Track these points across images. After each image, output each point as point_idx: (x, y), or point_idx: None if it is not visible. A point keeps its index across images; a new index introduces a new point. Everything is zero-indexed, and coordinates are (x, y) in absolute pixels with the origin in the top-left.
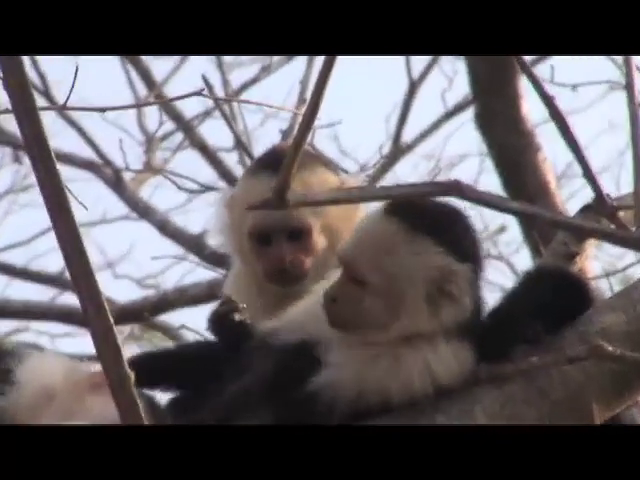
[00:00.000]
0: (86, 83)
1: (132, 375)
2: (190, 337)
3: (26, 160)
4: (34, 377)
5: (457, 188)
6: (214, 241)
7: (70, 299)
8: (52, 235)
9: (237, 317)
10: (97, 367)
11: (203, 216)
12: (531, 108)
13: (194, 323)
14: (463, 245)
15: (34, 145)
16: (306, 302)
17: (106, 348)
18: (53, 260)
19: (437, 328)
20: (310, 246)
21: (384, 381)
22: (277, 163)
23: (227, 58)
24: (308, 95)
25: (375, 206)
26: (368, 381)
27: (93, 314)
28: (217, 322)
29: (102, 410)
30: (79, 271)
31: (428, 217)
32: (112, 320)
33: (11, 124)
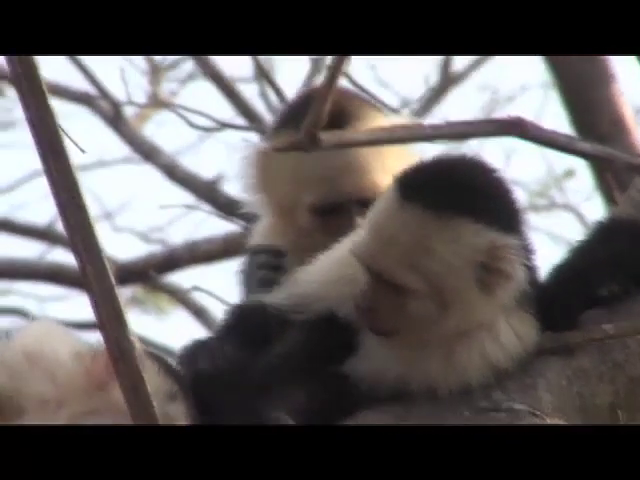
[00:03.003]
0: None
1: (137, 345)
2: (202, 300)
3: (10, 92)
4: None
5: (519, 126)
6: (232, 189)
7: (61, 255)
8: (41, 181)
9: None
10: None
11: (218, 158)
12: None
13: (207, 284)
14: (502, 211)
15: (22, 75)
16: (329, 267)
17: (107, 314)
18: (41, 210)
19: (495, 310)
20: None
21: (436, 378)
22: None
23: None
24: None
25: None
26: (416, 376)
27: (92, 274)
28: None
29: (119, 409)
30: (75, 223)
31: (455, 190)
32: (114, 281)
33: None
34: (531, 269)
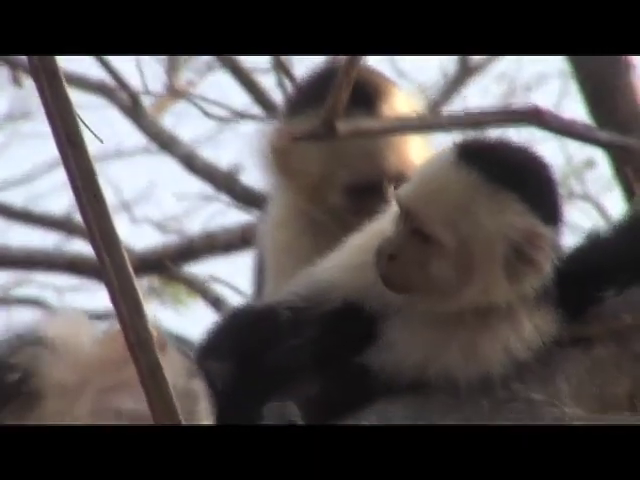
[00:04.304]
0: None
1: (154, 335)
2: (220, 290)
3: (27, 82)
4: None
5: (536, 115)
6: (250, 179)
7: (79, 246)
8: (59, 171)
9: None
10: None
11: (236, 148)
12: None
13: (225, 274)
14: (549, 202)
15: (39, 65)
16: (349, 252)
17: (126, 304)
18: (59, 200)
19: (513, 298)
20: None
21: (456, 368)
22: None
23: None
24: None
25: (444, 145)
26: (437, 367)
27: (109, 264)
28: None
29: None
30: (93, 213)
31: (510, 166)
32: (132, 271)
33: None
34: (556, 267)
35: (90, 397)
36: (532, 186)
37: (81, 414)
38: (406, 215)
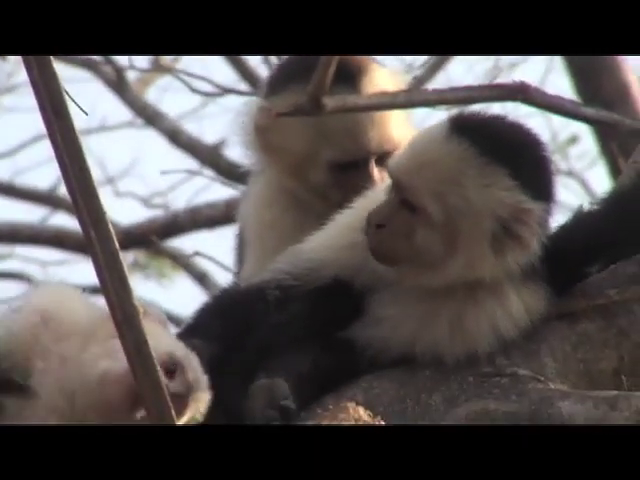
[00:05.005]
0: None
1: (140, 309)
2: (204, 265)
3: (12, 56)
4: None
5: (522, 92)
6: (235, 154)
7: (64, 220)
8: (43, 145)
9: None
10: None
11: (221, 123)
12: None
13: (209, 249)
14: (539, 179)
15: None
16: (339, 230)
17: (111, 279)
18: (43, 174)
19: (499, 273)
20: None
21: (443, 345)
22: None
23: None
24: None
25: (427, 122)
26: (424, 342)
27: (96, 238)
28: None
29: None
30: (79, 186)
31: (503, 141)
32: (117, 245)
33: None
34: (544, 244)
35: (91, 355)
36: (523, 162)
37: (91, 356)
38: (396, 186)
